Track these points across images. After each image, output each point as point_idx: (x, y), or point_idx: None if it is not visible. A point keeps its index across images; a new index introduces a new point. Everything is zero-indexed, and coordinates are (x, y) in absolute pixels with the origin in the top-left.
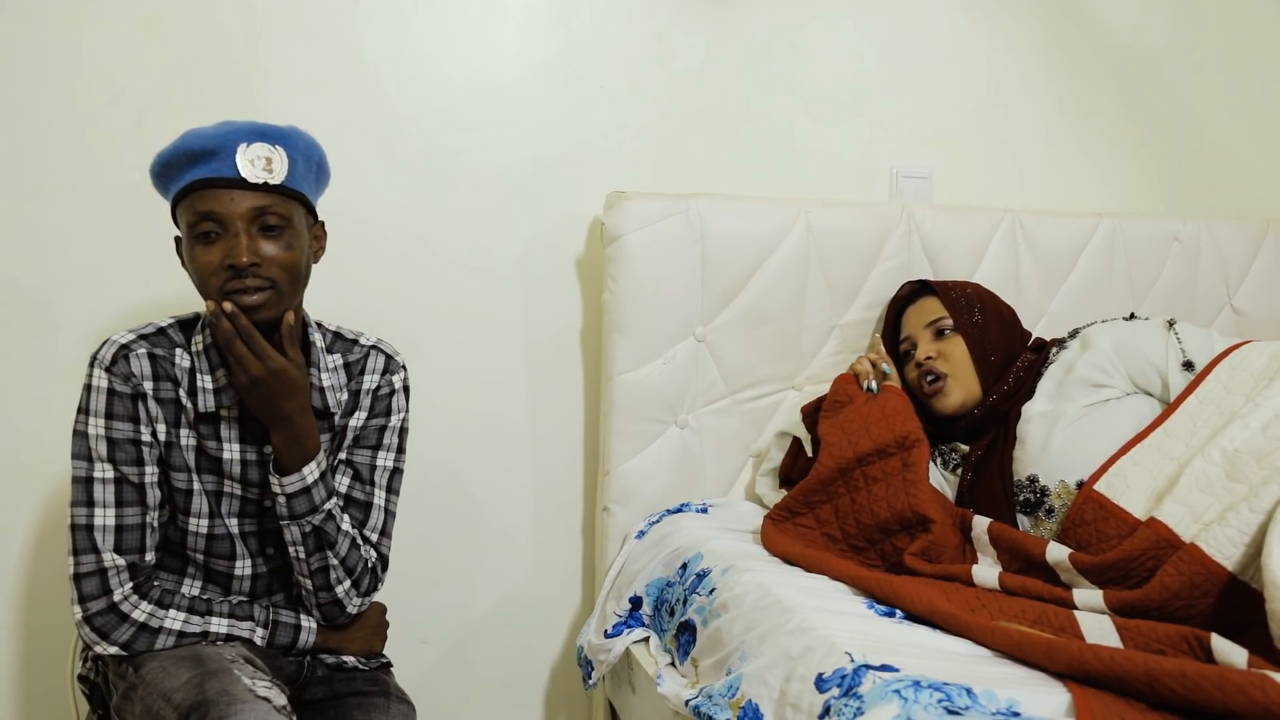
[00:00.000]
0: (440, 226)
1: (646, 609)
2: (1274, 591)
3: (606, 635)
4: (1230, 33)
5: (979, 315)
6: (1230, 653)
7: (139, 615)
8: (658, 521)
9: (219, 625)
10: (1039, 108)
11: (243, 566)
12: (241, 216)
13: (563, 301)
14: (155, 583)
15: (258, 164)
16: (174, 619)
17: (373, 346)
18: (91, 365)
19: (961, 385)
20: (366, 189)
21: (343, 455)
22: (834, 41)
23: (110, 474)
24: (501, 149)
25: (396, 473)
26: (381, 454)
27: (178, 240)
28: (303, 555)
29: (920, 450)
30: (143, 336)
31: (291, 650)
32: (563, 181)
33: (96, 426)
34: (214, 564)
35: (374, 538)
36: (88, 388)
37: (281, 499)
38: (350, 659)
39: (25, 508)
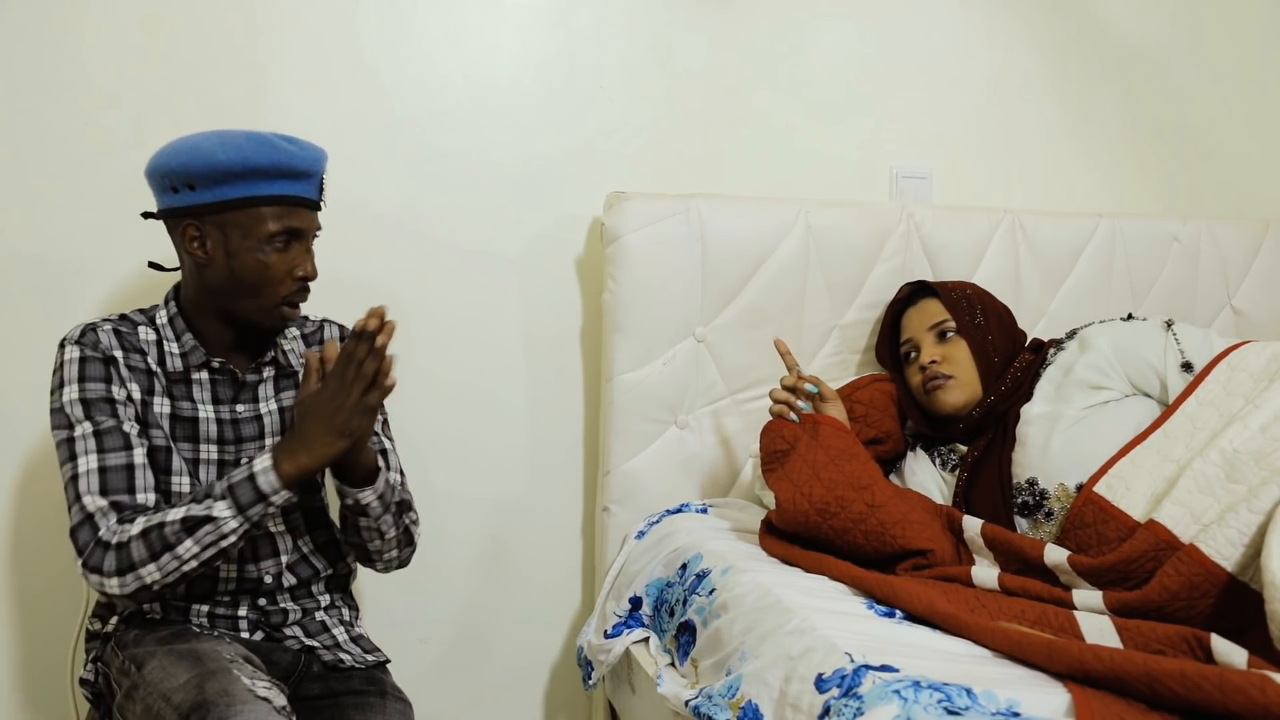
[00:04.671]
0: (440, 226)
1: (646, 609)
2: (1274, 592)
3: (606, 635)
4: (1230, 33)
5: (980, 317)
6: (1230, 653)
7: (111, 538)
8: (657, 522)
9: (175, 514)
10: (1039, 108)
11: None
12: (312, 235)
13: (563, 301)
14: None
15: (325, 190)
16: (136, 525)
17: (323, 320)
18: (61, 346)
19: (965, 387)
20: (366, 189)
21: None
22: (834, 41)
23: (89, 429)
24: (501, 149)
25: (386, 422)
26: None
27: (188, 225)
28: (389, 530)
29: (879, 488)
30: (106, 319)
31: (264, 499)
32: (563, 181)
33: (70, 393)
34: None
35: (400, 478)
36: (59, 365)
37: (375, 502)
38: (347, 659)
39: (27, 509)
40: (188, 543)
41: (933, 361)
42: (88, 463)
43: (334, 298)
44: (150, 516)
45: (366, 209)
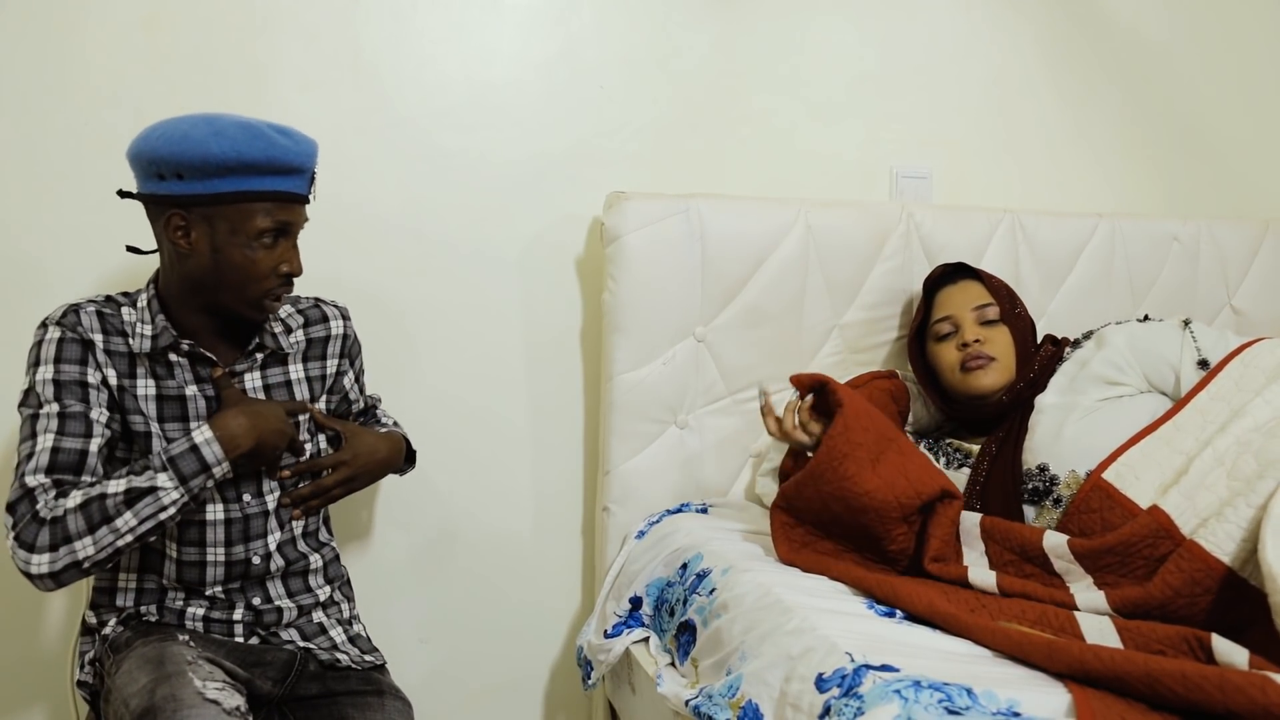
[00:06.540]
0: (440, 226)
1: (646, 609)
2: (1274, 584)
3: (606, 635)
4: (1230, 33)
5: (1020, 308)
6: (1231, 653)
7: (47, 514)
8: (658, 522)
9: (116, 486)
10: (1039, 107)
11: (214, 511)
12: (299, 229)
13: (563, 301)
14: None
15: (315, 183)
16: (73, 499)
17: (315, 300)
18: (42, 325)
19: (1004, 371)
20: (366, 188)
21: (349, 384)
22: (834, 41)
23: (55, 410)
24: (501, 149)
25: (360, 381)
26: (364, 377)
27: (173, 214)
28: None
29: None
30: (91, 300)
31: (207, 470)
32: (563, 181)
33: (45, 372)
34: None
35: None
36: (38, 343)
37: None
38: (344, 658)
39: None
40: (126, 515)
41: (976, 341)
42: (44, 441)
43: (333, 297)
44: (88, 489)
45: (366, 208)
